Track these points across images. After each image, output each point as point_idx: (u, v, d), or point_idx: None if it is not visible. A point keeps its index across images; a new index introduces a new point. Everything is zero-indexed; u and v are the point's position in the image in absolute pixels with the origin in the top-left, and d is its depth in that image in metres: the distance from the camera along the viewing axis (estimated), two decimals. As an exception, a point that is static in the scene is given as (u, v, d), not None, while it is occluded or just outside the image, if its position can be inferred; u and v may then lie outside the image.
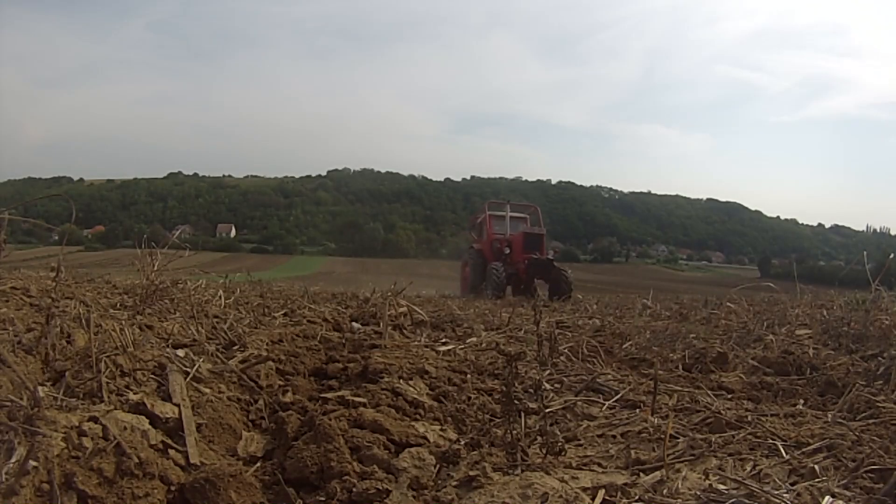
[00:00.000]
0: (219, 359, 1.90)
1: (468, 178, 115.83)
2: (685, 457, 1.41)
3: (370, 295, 4.80)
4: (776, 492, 1.15)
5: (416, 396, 1.85)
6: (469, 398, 1.96)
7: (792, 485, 1.22)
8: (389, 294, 4.05)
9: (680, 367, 2.60)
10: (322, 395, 1.90)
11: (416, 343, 2.95)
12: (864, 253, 4.12)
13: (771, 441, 1.47)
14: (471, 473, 1.28)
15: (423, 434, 1.55)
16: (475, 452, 1.44)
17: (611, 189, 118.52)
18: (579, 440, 1.62)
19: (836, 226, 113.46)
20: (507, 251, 13.68)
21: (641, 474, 1.31)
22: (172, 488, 1.16)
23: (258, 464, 1.43)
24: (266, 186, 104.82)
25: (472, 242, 16.46)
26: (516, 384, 1.55)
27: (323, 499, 1.24)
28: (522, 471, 1.32)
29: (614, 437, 1.64)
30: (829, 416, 1.70)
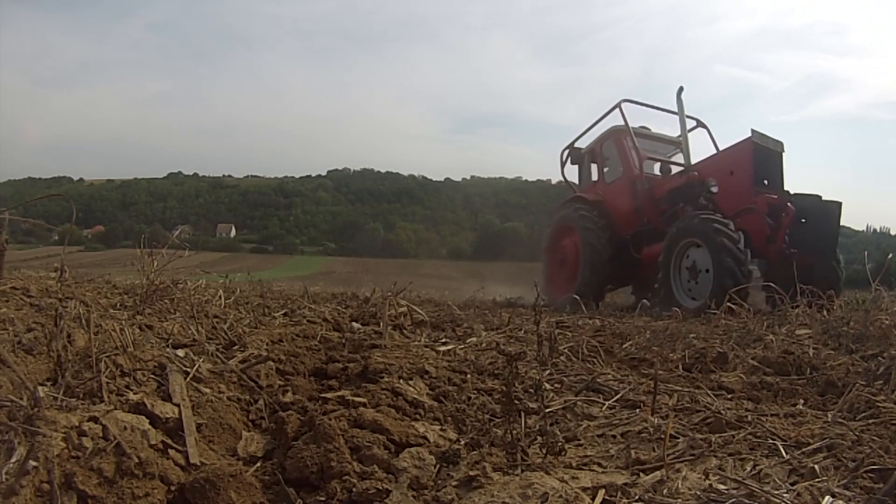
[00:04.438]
0: (219, 359, 1.90)
1: (468, 177, 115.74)
2: (685, 457, 1.41)
3: (370, 295, 4.79)
4: (776, 492, 1.15)
5: (416, 396, 1.85)
6: (469, 398, 1.96)
7: (792, 485, 1.22)
8: (389, 294, 4.04)
9: (680, 367, 2.60)
10: (322, 395, 1.90)
11: (416, 343, 2.95)
12: (865, 253, 4.12)
13: (771, 441, 1.47)
14: (471, 473, 1.28)
15: (423, 434, 1.54)
16: (475, 452, 1.44)
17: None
18: (579, 440, 1.62)
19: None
20: (712, 188, 6.17)
21: (641, 474, 1.31)
22: (172, 488, 1.16)
23: (258, 464, 1.43)
24: (266, 186, 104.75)
25: (572, 195, 8.69)
26: (516, 384, 1.55)
27: (323, 499, 1.24)
28: (522, 471, 1.32)
29: (614, 437, 1.64)
30: (829, 416, 1.71)
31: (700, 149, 8.30)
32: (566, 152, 9.31)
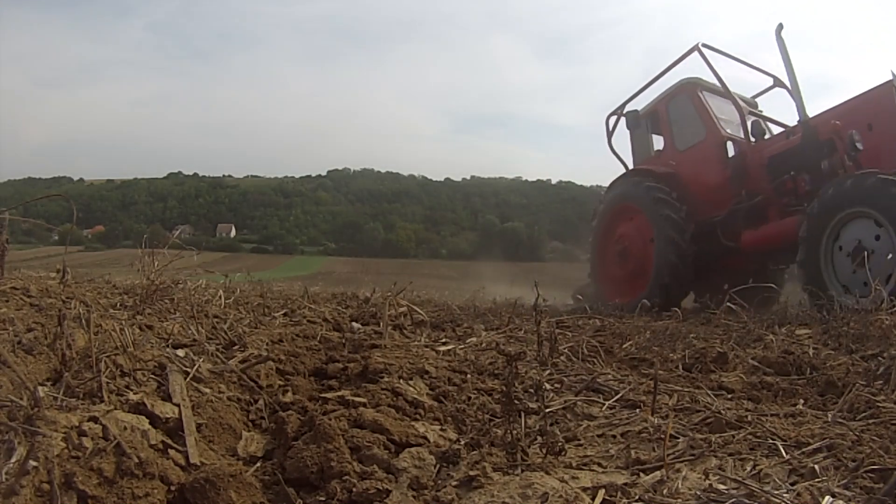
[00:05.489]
0: (219, 359, 1.90)
1: (468, 177, 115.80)
2: (685, 457, 1.41)
3: (370, 295, 4.79)
4: (776, 492, 1.15)
5: (416, 396, 1.85)
6: (469, 398, 1.96)
7: (792, 485, 1.22)
8: (389, 294, 4.04)
9: (680, 367, 2.60)
10: (322, 395, 1.90)
11: (416, 343, 2.95)
12: (865, 253, 4.11)
13: (771, 441, 1.47)
14: (471, 473, 1.29)
15: (423, 434, 1.55)
16: (475, 452, 1.44)
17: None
18: (579, 440, 1.62)
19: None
20: (858, 145, 4.77)
21: (641, 474, 1.31)
22: (172, 488, 1.16)
23: (258, 464, 1.43)
24: (266, 186, 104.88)
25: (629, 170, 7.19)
26: (516, 384, 1.55)
27: (323, 499, 1.24)
28: (522, 471, 1.32)
29: (614, 436, 1.64)
30: (829, 416, 1.71)
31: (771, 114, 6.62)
32: (613, 119, 7.60)
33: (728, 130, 6.12)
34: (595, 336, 3.36)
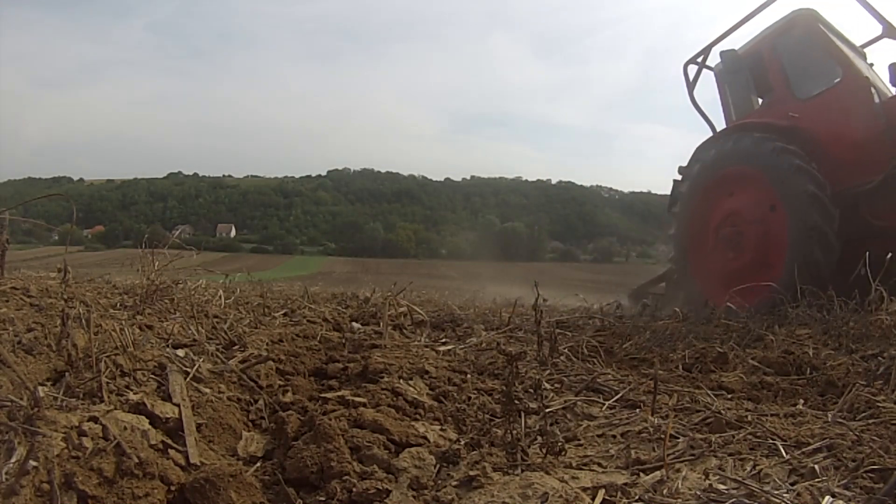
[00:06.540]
0: (219, 359, 1.90)
1: (468, 177, 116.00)
2: (685, 457, 1.41)
3: (370, 295, 4.79)
4: (776, 492, 1.15)
5: (416, 396, 1.85)
6: (469, 398, 1.96)
7: (792, 485, 1.22)
8: (389, 294, 4.04)
9: (680, 367, 2.59)
10: (322, 395, 1.90)
11: (416, 343, 2.95)
12: (867, 253, 4.09)
13: (771, 441, 1.47)
14: (471, 473, 1.29)
15: (423, 434, 1.55)
16: (475, 452, 1.44)
17: (611, 189, 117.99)
18: (579, 440, 1.62)
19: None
20: None
21: (641, 474, 1.31)
22: (172, 488, 1.16)
23: (258, 464, 1.43)
24: (266, 186, 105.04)
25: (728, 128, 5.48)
26: (516, 384, 1.55)
27: (323, 499, 1.24)
28: (522, 471, 1.32)
29: (614, 436, 1.64)
30: (829, 416, 1.71)
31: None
32: (693, 68, 5.99)
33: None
34: (595, 336, 3.35)
